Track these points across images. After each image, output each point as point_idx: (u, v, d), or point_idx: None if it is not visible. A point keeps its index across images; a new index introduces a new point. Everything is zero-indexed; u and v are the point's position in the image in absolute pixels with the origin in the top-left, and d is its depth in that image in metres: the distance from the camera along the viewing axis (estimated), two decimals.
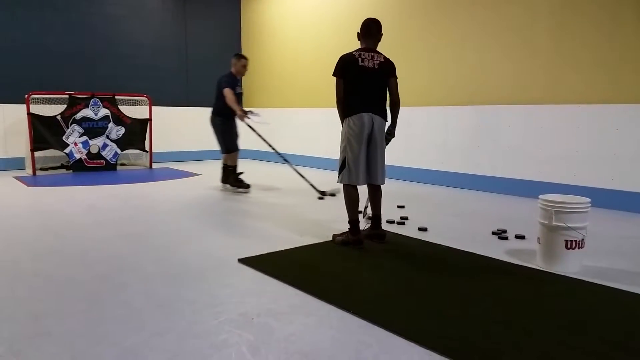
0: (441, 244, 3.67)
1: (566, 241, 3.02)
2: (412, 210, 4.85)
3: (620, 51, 4.93)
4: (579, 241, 3.02)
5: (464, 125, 6.34)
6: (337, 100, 3.59)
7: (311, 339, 2.11)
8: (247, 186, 6.07)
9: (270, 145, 6.01)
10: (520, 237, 3.86)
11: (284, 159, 6.22)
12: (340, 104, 3.59)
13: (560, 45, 5.39)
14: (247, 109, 5.98)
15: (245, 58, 6.11)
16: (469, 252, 3.48)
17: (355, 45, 3.69)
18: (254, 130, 6.08)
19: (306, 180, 5.83)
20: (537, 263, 3.19)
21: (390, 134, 3.70)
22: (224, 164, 6.24)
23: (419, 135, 6.80)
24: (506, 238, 3.83)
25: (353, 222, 3.55)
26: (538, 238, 3.19)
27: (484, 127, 6.13)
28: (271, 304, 2.48)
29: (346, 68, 3.54)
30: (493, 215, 4.74)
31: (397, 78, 3.63)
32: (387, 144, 3.68)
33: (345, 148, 3.56)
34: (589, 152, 5.16)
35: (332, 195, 5.54)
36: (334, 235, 3.68)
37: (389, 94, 3.63)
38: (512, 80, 5.86)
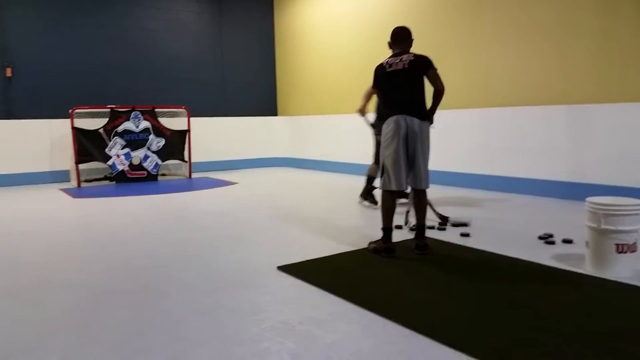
0: (484, 249, 3.58)
1: (617, 245, 2.89)
2: (454, 215, 4.75)
3: None
4: (631, 244, 2.89)
5: (504, 127, 6.20)
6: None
7: (354, 347, 2.08)
8: (374, 202, 5.38)
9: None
10: (567, 241, 3.72)
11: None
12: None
13: (605, 44, 5.21)
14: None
15: None
16: (513, 257, 3.38)
17: (386, 49, 3.68)
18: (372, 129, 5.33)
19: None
20: (586, 268, 3.07)
21: (430, 121, 3.54)
22: (368, 175, 5.47)
23: (456, 138, 6.69)
24: (553, 242, 3.71)
25: (385, 229, 3.49)
26: (586, 242, 3.07)
27: (524, 129, 5.97)
28: (312, 312, 2.46)
29: (377, 77, 3.62)
30: (538, 219, 4.59)
31: (435, 69, 3.47)
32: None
33: (383, 153, 3.53)
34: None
35: (464, 225, 4.34)
36: (370, 243, 3.63)
37: (432, 85, 3.48)
38: (553, 79, 5.69)
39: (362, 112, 5.09)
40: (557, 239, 3.78)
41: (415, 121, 3.44)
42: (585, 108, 5.40)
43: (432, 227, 4.21)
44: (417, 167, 3.47)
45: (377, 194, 5.17)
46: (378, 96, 3.67)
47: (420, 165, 3.47)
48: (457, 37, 6.76)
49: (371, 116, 5.17)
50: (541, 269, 3.13)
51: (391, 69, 3.50)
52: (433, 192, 6.00)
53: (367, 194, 5.46)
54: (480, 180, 6.51)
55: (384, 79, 3.55)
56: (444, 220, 4.39)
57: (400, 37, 3.61)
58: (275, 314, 2.44)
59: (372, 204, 5.40)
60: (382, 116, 3.76)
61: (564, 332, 2.18)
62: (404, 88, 3.49)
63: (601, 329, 2.21)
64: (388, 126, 3.47)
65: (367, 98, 5.00)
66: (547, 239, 3.77)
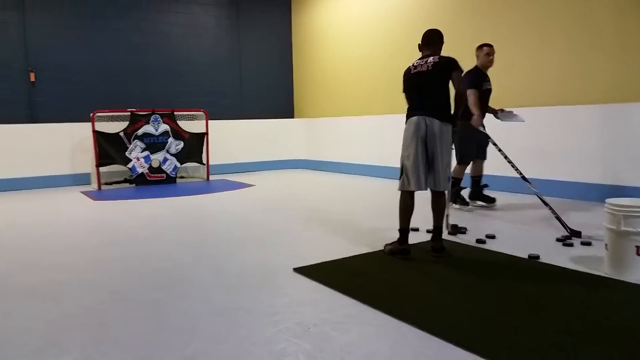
0: (502, 252, 3.55)
1: (637, 247, 2.85)
2: (470, 217, 4.73)
3: None
4: None
5: (525, 127, 6.14)
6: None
7: (369, 349, 2.09)
8: (466, 203, 5.32)
9: (512, 164, 4.70)
10: (586, 243, 3.68)
11: (527, 181, 4.62)
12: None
13: (624, 42, 5.14)
14: (499, 109, 5.23)
15: (487, 45, 5.09)
16: (530, 259, 3.35)
17: (404, 50, 3.67)
18: (490, 139, 4.97)
19: (556, 216, 4.23)
20: (604, 270, 3.03)
21: (453, 124, 3.52)
22: (454, 177, 5.08)
23: None
24: (571, 245, 3.66)
25: (402, 231, 3.49)
26: (605, 244, 3.03)
27: (542, 130, 5.91)
28: (327, 314, 2.47)
29: (404, 79, 3.63)
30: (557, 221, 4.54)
31: (460, 71, 3.45)
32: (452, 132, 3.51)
33: (403, 153, 3.53)
34: None
35: (586, 243, 3.77)
36: (386, 245, 3.63)
37: (454, 88, 3.46)
38: (577, 79, 5.62)
39: (481, 122, 4.91)
40: (576, 241, 3.74)
41: (436, 122, 3.42)
42: (606, 108, 5.32)
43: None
44: (436, 168, 3.45)
45: (465, 194, 5.34)
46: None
47: (439, 166, 3.45)
48: (474, 37, 6.71)
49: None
50: (559, 271, 3.10)
51: (416, 70, 3.52)
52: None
53: (455, 197, 5.24)
54: (496, 181, 6.44)
55: (409, 80, 3.58)
56: (573, 235, 3.91)
57: (431, 41, 3.61)
58: (291, 315, 2.46)
59: (463, 206, 5.28)
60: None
61: (582, 335, 2.15)
62: (425, 89, 3.49)
63: (620, 331, 2.18)
64: (408, 127, 3.48)
65: (478, 103, 4.91)
66: (565, 241, 3.73)
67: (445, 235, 3.78)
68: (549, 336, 2.15)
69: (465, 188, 5.36)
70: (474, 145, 5.14)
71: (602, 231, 3.10)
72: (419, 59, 3.58)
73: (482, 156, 5.31)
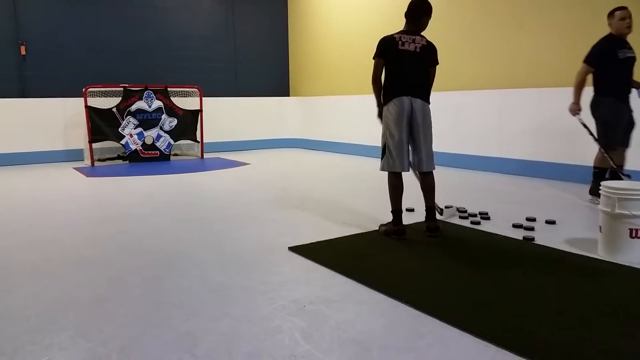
0: (497, 233, 3.57)
1: (630, 230, 2.87)
2: (466, 198, 4.74)
3: None
4: None
5: (519, 109, 6.13)
6: (373, 80, 3.51)
7: (363, 327, 2.10)
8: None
9: (609, 159, 4.32)
10: (550, 222, 3.78)
11: (623, 174, 4.32)
12: (374, 82, 3.51)
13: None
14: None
15: (619, 9, 4.33)
16: (525, 240, 3.37)
17: (401, 28, 3.55)
18: (587, 129, 4.50)
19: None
20: (598, 253, 3.06)
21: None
22: (598, 167, 4.55)
23: (472, 121, 6.62)
24: (532, 228, 3.64)
25: (395, 212, 3.49)
26: (600, 227, 3.05)
27: (540, 111, 5.91)
28: (322, 292, 2.48)
29: (386, 49, 3.45)
30: (549, 202, 4.57)
31: (436, 67, 3.52)
32: None
33: (385, 133, 3.49)
34: None
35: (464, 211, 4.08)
36: (380, 225, 3.63)
37: (428, 81, 3.52)
38: (567, 62, 5.60)
39: (577, 110, 4.47)
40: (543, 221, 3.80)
41: (419, 102, 3.41)
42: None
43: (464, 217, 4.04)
44: (420, 148, 3.45)
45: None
46: (376, 66, 3.44)
47: (423, 147, 3.45)
48: (472, 17, 6.66)
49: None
50: (552, 252, 3.12)
51: (403, 47, 3.41)
52: (450, 176, 6.00)
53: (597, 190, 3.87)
54: (494, 163, 6.46)
55: (395, 53, 3.42)
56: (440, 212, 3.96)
57: (418, 13, 3.46)
58: (286, 293, 2.47)
59: (595, 198, 4.47)
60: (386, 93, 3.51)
61: (574, 316, 2.18)
62: (411, 70, 3.43)
63: (612, 313, 2.21)
64: (393, 107, 3.42)
65: (580, 88, 4.39)
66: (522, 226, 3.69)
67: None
68: (542, 317, 2.17)
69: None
70: (621, 128, 4.41)
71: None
72: (403, 33, 3.46)
73: (626, 142, 4.48)
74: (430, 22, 3.52)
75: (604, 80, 4.37)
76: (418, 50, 3.42)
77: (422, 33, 3.52)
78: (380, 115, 3.56)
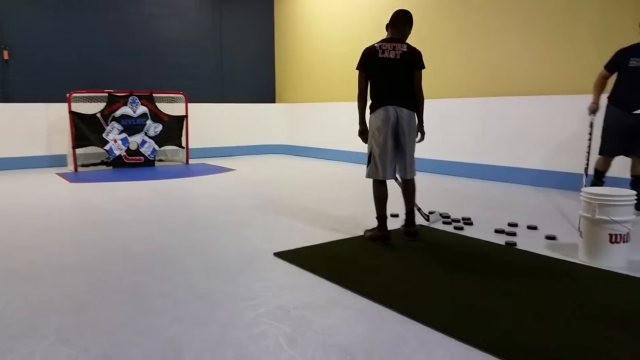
0: (479, 238, 3.60)
1: (610, 235, 2.92)
2: (449, 204, 4.78)
3: None
4: (624, 235, 2.92)
5: (503, 116, 6.21)
6: (358, 95, 3.51)
7: (348, 332, 2.11)
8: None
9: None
10: (532, 227, 3.85)
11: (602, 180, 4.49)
12: (360, 98, 3.50)
13: (605, 36, 5.20)
14: None
15: None
16: (506, 245, 3.41)
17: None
18: (589, 131, 4.47)
19: None
20: (579, 258, 3.10)
21: (421, 133, 3.56)
22: (595, 169, 4.63)
23: (457, 128, 6.69)
24: (514, 234, 3.70)
25: (380, 217, 3.52)
26: (580, 232, 3.10)
27: (523, 118, 5.99)
28: (307, 297, 2.49)
29: (367, 61, 3.47)
30: (532, 208, 4.63)
31: (422, 70, 3.48)
32: (420, 141, 3.58)
33: (371, 142, 3.51)
34: None
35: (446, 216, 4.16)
36: (366, 231, 3.66)
37: (413, 87, 3.49)
38: (552, 70, 5.69)
39: (592, 109, 4.44)
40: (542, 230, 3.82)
41: (405, 112, 3.42)
42: (580, 98, 5.40)
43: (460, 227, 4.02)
44: (404, 157, 3.48)
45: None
46: (360, 78, 3.46)
47: (407, 155, 3.48)
48: (460, 24, 6.74)
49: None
50: (534, 257, 3.16)
51: (383, 55, 3.42)
52: (435, 183, 6.05)
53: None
54: (481, 170, 6.53)
55: (376, 63, 3.44)
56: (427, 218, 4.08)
57: (398, 21, 3.49)
58: (271, 299, 2.47)
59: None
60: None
61: (556, 320, 2.21)
62: (394, 78, 3.44)
63: (593, 317, 2.24)
64: (378, 116, 3.44)
65: (597, 89, 4.37)
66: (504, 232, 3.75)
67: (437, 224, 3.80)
68: (525, 321, 2.20)
69: (604, 183, 4.59)
70: (614, 139, 4.38)
71: None
72: (384, 41, 3.47)
73: (635, 150, 4.31)
74: (416, 31, 3.56)
75: (614, 87, 4.41)
76: (399, 57, 3.42)
77: (408, 41, 3.55)
78: (361, 133, 3.58)
